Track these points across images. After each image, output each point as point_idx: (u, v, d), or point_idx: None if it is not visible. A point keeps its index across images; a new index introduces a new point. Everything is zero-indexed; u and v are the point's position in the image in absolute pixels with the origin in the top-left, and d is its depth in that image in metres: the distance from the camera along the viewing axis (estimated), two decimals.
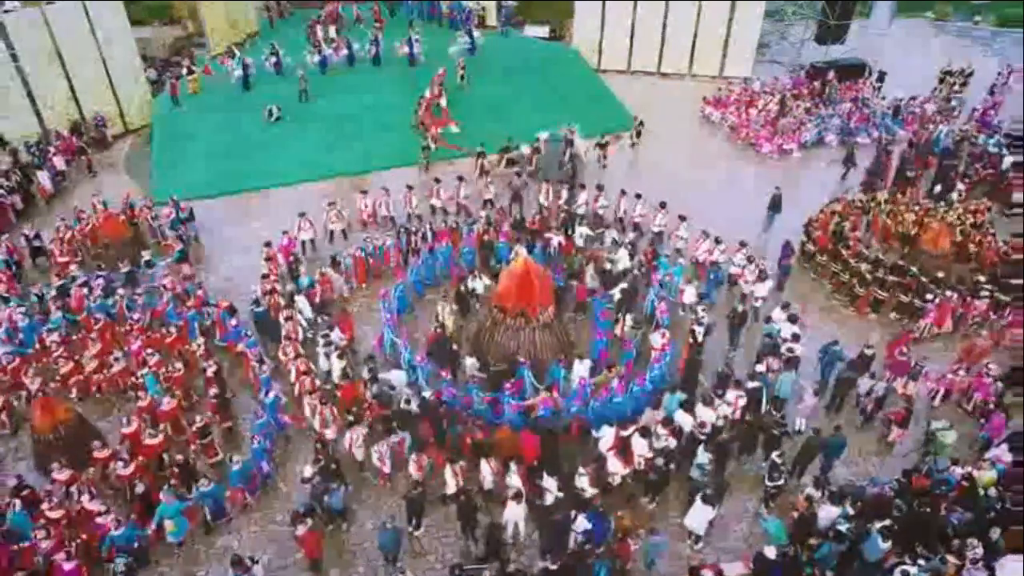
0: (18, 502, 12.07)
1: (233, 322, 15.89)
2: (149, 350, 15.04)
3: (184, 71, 26.76)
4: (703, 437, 13.06)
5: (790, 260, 18.03)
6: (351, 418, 13.49)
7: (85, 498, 12.32)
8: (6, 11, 22.15)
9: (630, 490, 12.97)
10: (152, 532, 12.08)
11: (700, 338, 15.30)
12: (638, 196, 19.70)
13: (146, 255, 18.04)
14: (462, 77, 26.23)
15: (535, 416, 13.58)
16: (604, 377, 14.54)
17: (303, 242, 18.82)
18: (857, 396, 14.45)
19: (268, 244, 17.71)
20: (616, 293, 16.76)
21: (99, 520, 11.84)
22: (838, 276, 17.93)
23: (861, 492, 12.23)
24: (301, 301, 16.35)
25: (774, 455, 12.72)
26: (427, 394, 13.95)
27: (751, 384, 14.13)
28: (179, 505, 12.13)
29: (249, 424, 14.13)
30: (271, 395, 14.04)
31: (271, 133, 24.67)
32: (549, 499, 12.11)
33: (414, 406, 13.70)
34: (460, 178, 20.65)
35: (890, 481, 12.53)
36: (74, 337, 15.78)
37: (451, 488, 12.35)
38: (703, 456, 12.77)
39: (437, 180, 20.49)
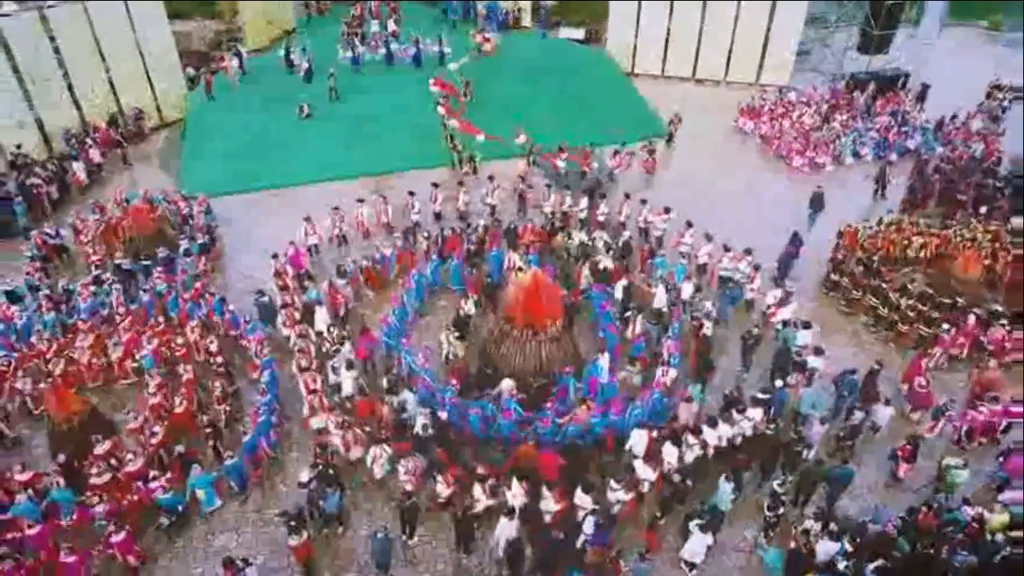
0: (61, 479, 12.67)
1: (231, 307, 16.57)
2: (148, 334, 15.68)
3: (234, 61, 27.29)
4: (770, 430, 13.43)
5: (797, 251, 18.00)
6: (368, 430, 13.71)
7: (129, 457, 13.22)
8: (50, 5, 22.76)
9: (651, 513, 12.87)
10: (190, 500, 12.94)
11: (709, 331, 15.79)
12: (643, 202, 19.71)
13: (184, 243, 18.50)
14: (466, 94, 25.33)
15: (586, 428, 13.59)
16: (632, 370, 14.98)
17: (308, 248, 18.92)
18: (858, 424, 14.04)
19: (275, 256, 17.57)
20: (618, 291, 16.94)
21: (152, 484, 12.64)
22: (876, 311, 17.11)
23: (862, 528, 11.90)
24: (320, 314, 16.16)
25: (775, 483, 12.46)
26: (443, 415, 13.85)
27: (762, 396, 14.12)
28: (209, 477, 13.03)
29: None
30: (267, 373, 14.76)
31: (299, 131, 24.90)
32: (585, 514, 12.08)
33: (429, 429, 13.47)
34: (460, 183, 20.80)
35: (894, 518, 12.14)
36: (62, 338, 16.01)
37: (481, 505, 12.32)
38: (726, 486, 12.55)
39: (435, 185, 20.38)
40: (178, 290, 17.03)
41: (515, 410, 13.86)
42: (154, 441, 13.61)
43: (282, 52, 28.14)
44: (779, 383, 14.34)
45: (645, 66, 29.89)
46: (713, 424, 13.44)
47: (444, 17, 32.12)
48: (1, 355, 15.29)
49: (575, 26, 32.72)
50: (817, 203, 20.14)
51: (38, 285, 17.37)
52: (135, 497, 12.67)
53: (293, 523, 11.72)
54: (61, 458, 13.21)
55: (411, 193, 19.89)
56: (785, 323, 16.11)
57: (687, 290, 16.99)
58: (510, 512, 11.73)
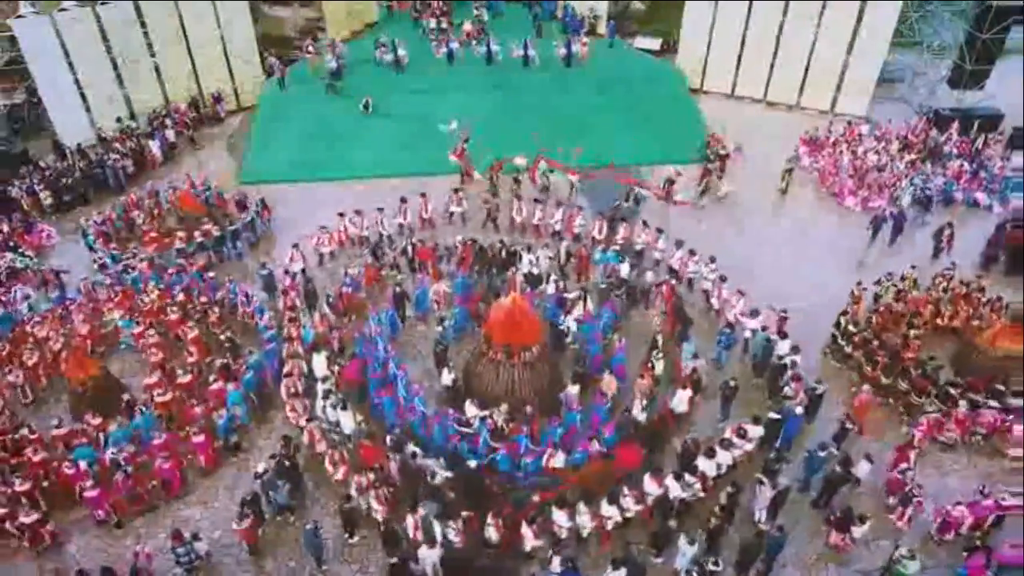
0: (143, 407, 14.99)
1: (211, 274, 18.56)
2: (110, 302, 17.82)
3: (310, 49, 28.84)
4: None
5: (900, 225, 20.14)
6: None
7: (179, 371, 15.82)
8: None
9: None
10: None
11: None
12: (623, 220, 19.99)
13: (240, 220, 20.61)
14: (463, 150, 22.95)
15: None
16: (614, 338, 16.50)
17: (294, 273, 18.51)
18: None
19: (285, 292, 17.76)
20: (550, 287, 17.88)
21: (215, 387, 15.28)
22: (922, 408, 15.35)
23: None
24: (317, 360, 15.80)
25: (710, 561, 12.18)
26: (473, 464, 13.67)
27: (775, 416, 14.38)
28: (240, 393, 15.15)
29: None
30: (266, 316, 17.22)
31: (360, 125, 25.89)
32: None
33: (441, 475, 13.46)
34: (423, 195, 20.93)
35: None
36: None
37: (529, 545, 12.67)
38: (687, 548, 12.41)
39: (403, 200, 20.50)
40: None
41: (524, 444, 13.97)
42: (191, 360, 16.11)
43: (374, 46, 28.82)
44: (797, 410, 14.52)
45: (715, 84, 29.01)
46: (711, 454, 13.59)
47: (532, 21, 32.10)
48: None
49: (653, 36, 32.09)
50: (926, 204, 21.49)
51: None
52: (210, 403, 15.10)
53: (243, 508, 12.78)
54: (127, 396, 15.47)
55: (379, 209, 20.01)
56: (755, 331, 16.54)
57: (624, 270, 18.08)
58: (431, 541, 12.18)
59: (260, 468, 13.58)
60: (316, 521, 12.87)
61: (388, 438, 14.17)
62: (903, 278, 17.99)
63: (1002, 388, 15.28)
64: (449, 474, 13.45)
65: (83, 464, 13.81)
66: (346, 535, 13.37)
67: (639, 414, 14.56)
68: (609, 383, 15.27)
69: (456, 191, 21.26)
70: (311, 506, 14.10)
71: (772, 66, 27.76)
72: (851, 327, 16.79)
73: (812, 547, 13.27)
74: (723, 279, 17.59)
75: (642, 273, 18.60)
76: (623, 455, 13.80)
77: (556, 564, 12.04)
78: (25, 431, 14.69)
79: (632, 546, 12.84)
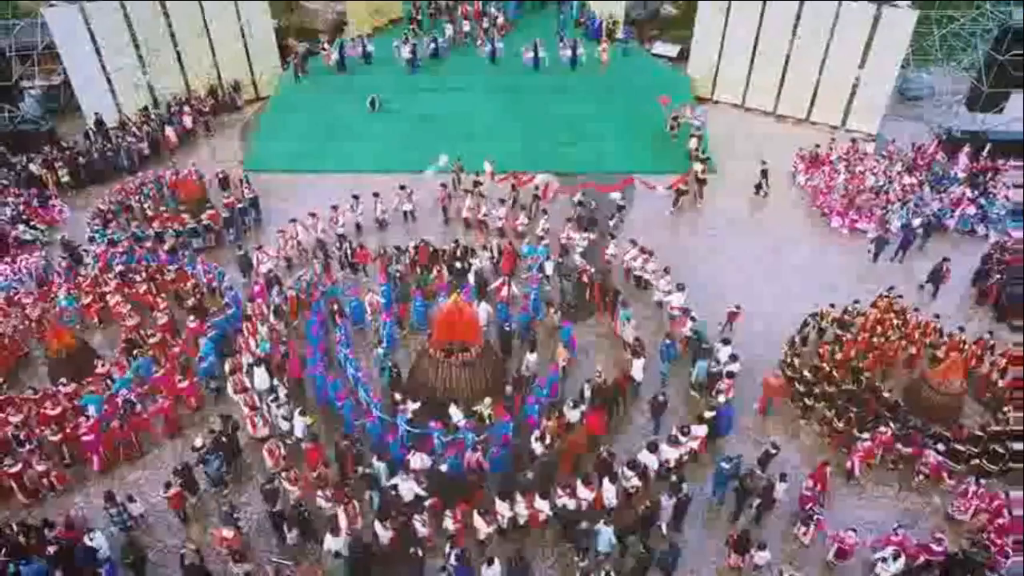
0: (129, 364, 16.36)
1: (165, 248, 19.99)
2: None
3: (324, 46, 29.91)
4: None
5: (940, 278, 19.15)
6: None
7: (157, 314, 17.84)
8: None
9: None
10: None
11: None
12: (568, 220, 20.61)
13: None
14: (455, 183, 22.91)
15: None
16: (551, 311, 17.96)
17: (266, 272, 18.91)
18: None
19: (252, 300, 18.05)
20: (471, 277, 18.68)
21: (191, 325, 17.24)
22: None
23: None
24: (259, 374, 15.87)
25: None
26: (443, 467, 13.99)
27: (708, 413, 15.03)
28: (211, 345, 16.72)
29: None
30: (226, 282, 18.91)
31: (366, 121, 26.60)
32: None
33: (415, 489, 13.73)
34: (376, 194, 21.31)
35: None
36: None
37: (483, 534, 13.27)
38: (603, 529, 12.92)
39: (355, 197, 21.05)
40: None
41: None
42: (163, 306, 17.94)
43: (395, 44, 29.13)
44: (721, 398, 15.27)
45: (726, 94, 28.71)
46: (653, 448, 14.15)
47: (558, 26, 31.97)
48: None
49: (672, 42, 31.88)
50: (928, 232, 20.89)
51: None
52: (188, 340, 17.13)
53: (172, 477, 13.76)
54: (121, 342, 17.24)
55: (334, 207, 20.48)
56: (694, 318, 17.31)
57: (549, 267, 19.15)
58: (335, 529, 12.78)
59: (198, 442, 14.51)
60: (231, 502, 13.73)
61: (344, 444, 14.40)
62: (822, 316, 17.66)
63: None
64: (422, 491, 13.67)
65: (92, 409, 15.07)
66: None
67: (537, 447, 14.51)
68: (560, 354, 16.43)
69: (402, 188, 21.71)
70: (246, 482, 15.01)
71: (783, 78, 27.31)
72: (807, 373, 16.26)
73: (711, 568, 13.38)
74: (667, 271, 18.47)
75: (570, 256, 19.59)
76: (591, 422, 14.82)
77: (452, 558, 12.59)
78: (30, 392, 15.99)
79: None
